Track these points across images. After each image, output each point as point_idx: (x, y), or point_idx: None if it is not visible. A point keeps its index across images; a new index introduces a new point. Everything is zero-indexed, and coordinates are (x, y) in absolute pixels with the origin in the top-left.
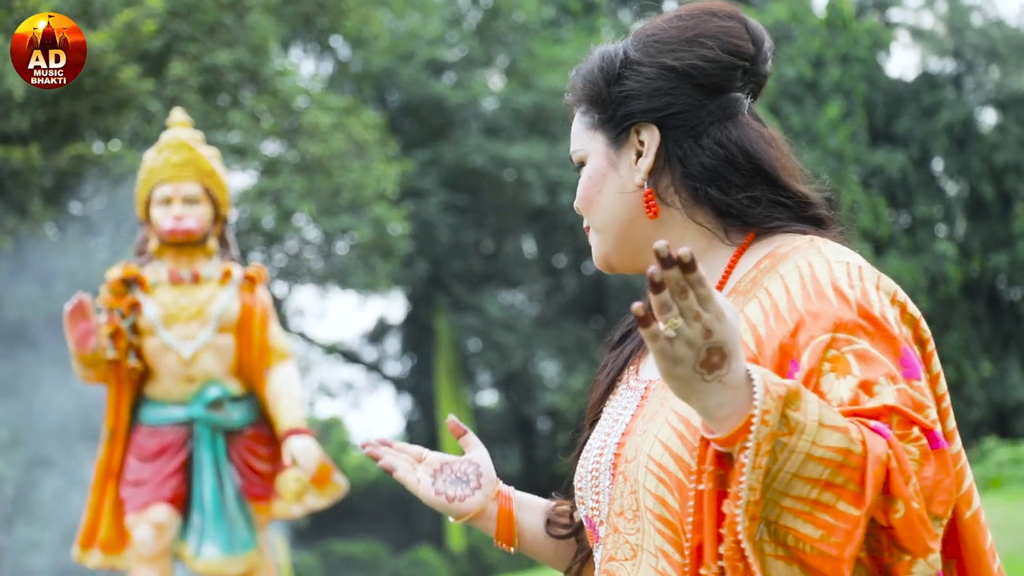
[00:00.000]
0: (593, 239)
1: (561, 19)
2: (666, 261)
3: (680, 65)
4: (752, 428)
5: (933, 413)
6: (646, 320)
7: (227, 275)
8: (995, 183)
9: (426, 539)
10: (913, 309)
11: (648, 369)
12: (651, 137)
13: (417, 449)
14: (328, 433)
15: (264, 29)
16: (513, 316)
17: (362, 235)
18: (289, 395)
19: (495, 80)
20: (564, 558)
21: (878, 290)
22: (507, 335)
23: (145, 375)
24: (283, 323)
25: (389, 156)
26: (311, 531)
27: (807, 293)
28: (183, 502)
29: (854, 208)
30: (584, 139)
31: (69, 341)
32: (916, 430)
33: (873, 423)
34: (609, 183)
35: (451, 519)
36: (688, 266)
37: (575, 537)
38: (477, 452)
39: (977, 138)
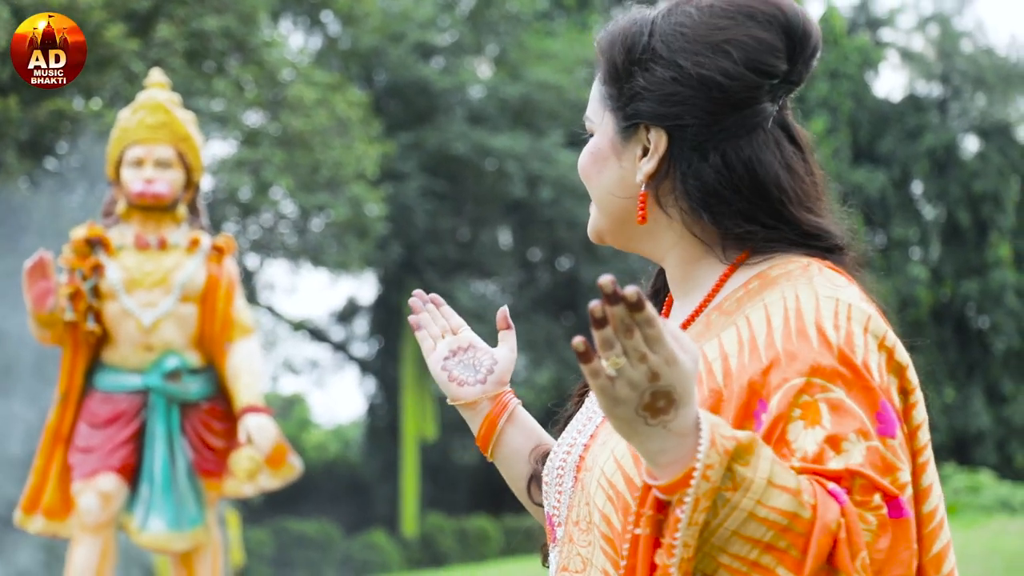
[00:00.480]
0: (592, 209)
1: (554, 12)
2: (611, 297)
3: (697, 73)
4: (692, 482)
5: (904, 475)
6: (586, 355)
7: (195, 243)
8: (972, 210)
9: (380, 523)
10: (901, 355)
11: None
12: (658, 140)
13: (459, 322)
14: (289, 410)
15: None
16: (484, 306)
17: (338, 213)
18: (249, 371)
19: (483, 68)
20: (540, 514)
21: (866, 332)
22: (477, 325)
23: (103, 340)
24: (252, 296)
25: (371, 136)
26: (264, 507)
27: (788, 330)
28: (132, 473)
29: None
30: (597, 110)
31: (27, 299)
32: (878, 497)
33: (831, 486)
34: (610, 169)
35: (448, 399)
36: (635, 305)
37: None
38: (504, 351)
39: (958, 164)
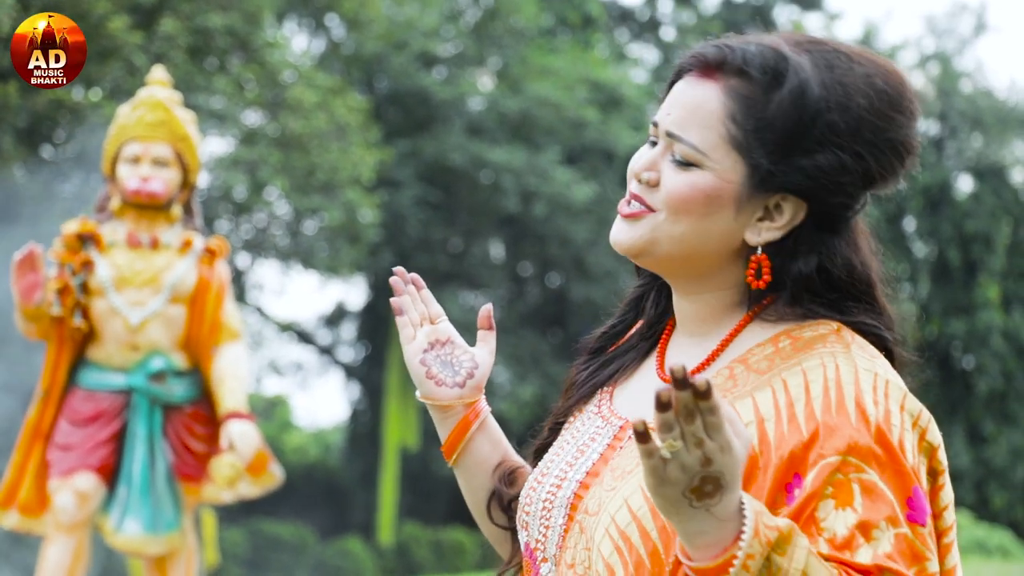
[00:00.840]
0: (646, 224)
1: (558, 29)
2: (680, 383)
3: (875, 169)
4: (731, 571)
5: (933, 564)
6: (645, 436)
7: (187, 244)
8: (963, 250)
9: (356, 530)
10: (933, 435)
11: (625, 402)
12: (796, 214)
13: (438, 310)
14: (272, 411)
15: None
16: (472, 318)
17: (332, 217)
18: (235, 376)
19: (484, 81)
20: (495, 533)
21: (902, 411)
22: (464, 336)
23: (89, 337)
24: (241, 296)
25: (369, 142)
26: (240, 508)
27: (828, 401)
28: (110, 473)
29: None
30: (719, 147)
31: (14, 291)
32: None
33: None
34: (722, 217)
35: (418, 393)
36: (703, 394)
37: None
38: (484, 353)
39: (951, 203)
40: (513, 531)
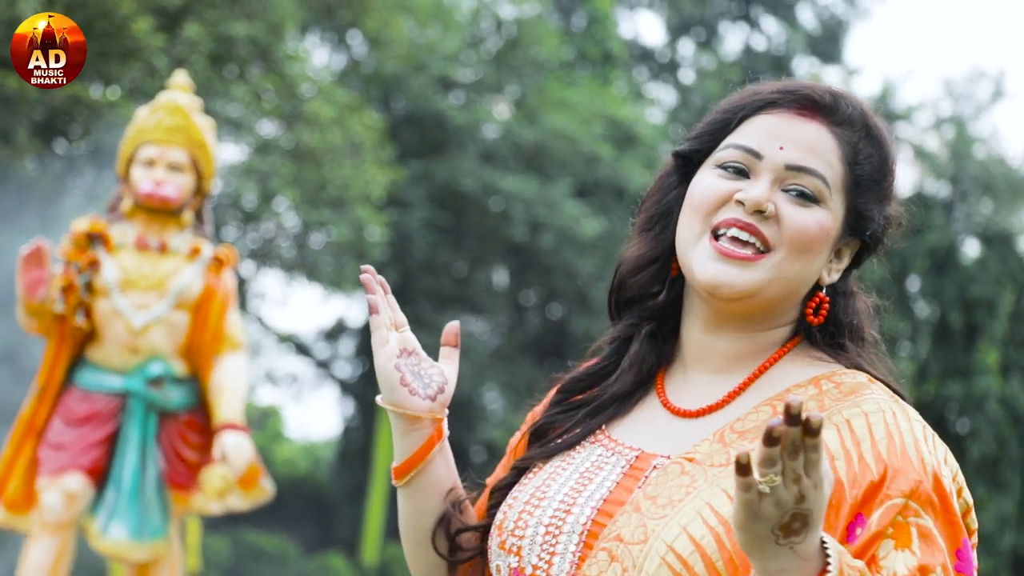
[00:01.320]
0: (765, 266)
1: (578, 63)
2: (793, 419)
3: (901, 217)
4: None
5: None
6: (746, 469)
7: (196, 251)
8: (965, 314)
9: (340, 546)
10: (967, 495)
11: (627, 435)
12: (850, 254)
13: (403, 318)
14: (264, 421)
15: (285, 10)
16: (471, 344)
17: (339, 232)
18: (233, 388)
19: (501, 109)
20: (430, 562)
21: (946, 464)
22: (461, 361)
23: (89, 336)
24: (243, 304)
25: (382, 161)
26: (225, 517)
27: (892, 445)
28: (100, 475)
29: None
30: (832, 180)
31: (18, 286)
32: None
33: None
34: (823, 254)
35: (384, 399)
36: (814, 431)
37: (458, 564)
38: (450, 370)
39: (957, 266)
40: (454, 561)
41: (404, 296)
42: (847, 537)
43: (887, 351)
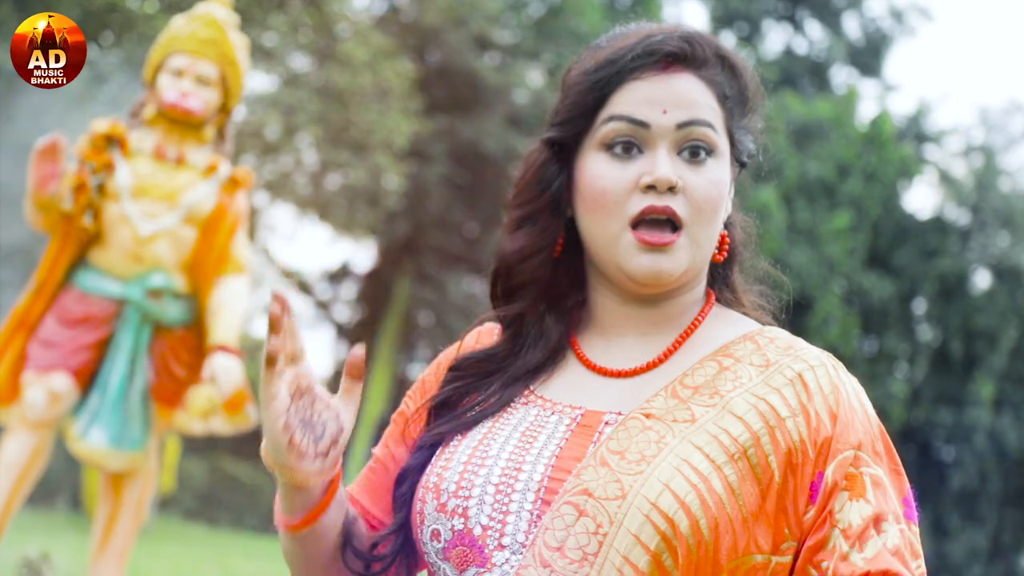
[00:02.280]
0: (683, 247)
1: None
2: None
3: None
4: None
5: (923, 563)
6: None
7: (213, 168)
8: (967, 343)
9: None
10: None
11: (567, 394)
12: (734, 179)
13: (302, 346)
14: (257, 353)
15: None
16: (472, 305)
17: (357, 176)
18: (231, 310)
19: (535, 76)
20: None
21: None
22: (460, 320)
23: (94, 239)
24: (251, 233)
25: (409, 111)
26: (204, 441)
27: (840, 397)
28: (87, 379)
29: (827, 320)
30: (717, 124)
31: (30, 179)
32: None
33: None
34: (725, 206)
35: (270, 462)
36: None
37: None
38: (347, 413)
39: (965, 295)
40: (369, 561)
41: (412, 247)
42: (810, 498)
43: (883, 370)
